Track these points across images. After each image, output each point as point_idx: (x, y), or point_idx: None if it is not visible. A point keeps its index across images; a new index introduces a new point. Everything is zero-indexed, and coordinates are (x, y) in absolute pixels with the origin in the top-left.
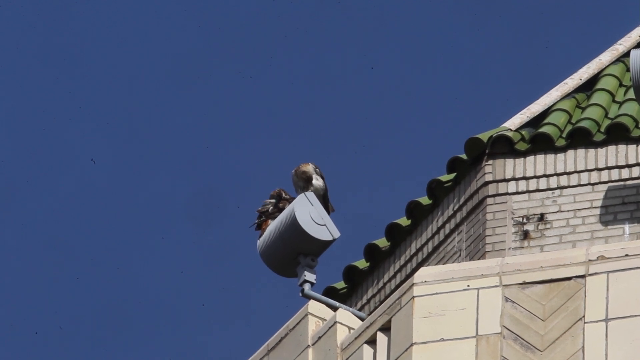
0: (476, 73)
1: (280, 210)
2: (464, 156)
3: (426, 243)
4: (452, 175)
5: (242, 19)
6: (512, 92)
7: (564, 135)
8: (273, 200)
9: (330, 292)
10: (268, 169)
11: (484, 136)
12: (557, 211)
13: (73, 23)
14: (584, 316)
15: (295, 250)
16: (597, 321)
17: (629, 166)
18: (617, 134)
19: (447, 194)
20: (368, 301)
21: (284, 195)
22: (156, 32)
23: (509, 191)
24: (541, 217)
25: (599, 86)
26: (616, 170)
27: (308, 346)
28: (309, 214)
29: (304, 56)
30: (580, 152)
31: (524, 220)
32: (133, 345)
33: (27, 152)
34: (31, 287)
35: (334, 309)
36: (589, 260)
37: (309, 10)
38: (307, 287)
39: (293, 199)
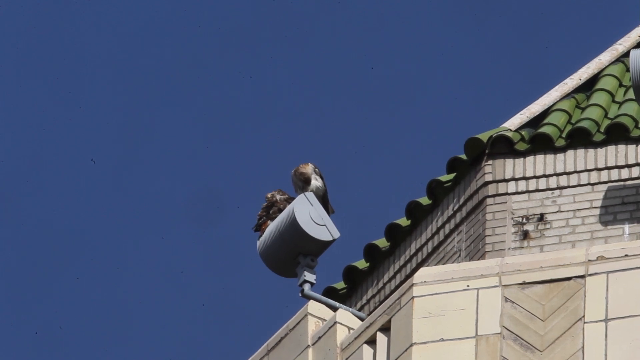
0: (476, 73)
1: (280, 211)
2: (463, 156)
3: (426, 243)
4: (451, 176)
5: (242, 19)
6: (512, 92)
7: (563, 135)
8: (265, 206)
9: (330, 293)
10: (268, 169)
11: (484, 136)
12: (557, 211)
13: (73, 23)
14: (583, 316)
15: (295, 251)
16: (596, 321)
17: (629, 166)
18: (617, 134)
19: (446, 194)
20: (368, 301)
21: (278, 198)
22: (156, 32)
23: (509, 191)
24: (541, 217)
25: (598, 86)
26: (616, 170)
27: (308, 346)
28: (308, 214)
29: (304, 56)
30: (580, 152)
31: (524, 221)
32: (133, 345)
33: (27, 152)
34: (31, 287)
35: (334, 309)
36: (589, 260)
37: (309, 10)
38: (307, 287)
39: (292, 199)
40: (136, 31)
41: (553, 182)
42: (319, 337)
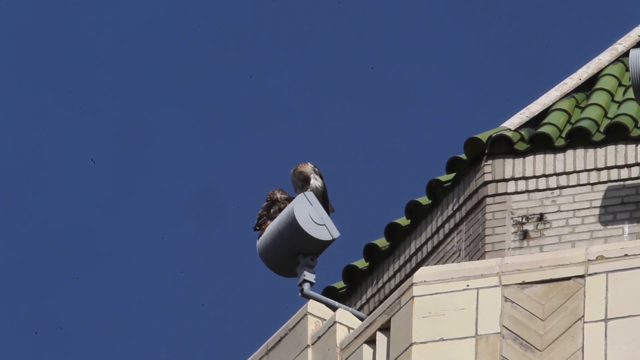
0: (476, 73)
1: (280, 210)
2: (463, 156)
3: (426, 243)
4: (451, 175)
5: (242, 19)
6: (512, 92)
7: (563, 135)
8: (266, 205)
9: (330, 292)
10: (268, 168)
11: (484, 136)
12: (557, 211)
13: (73, 23)
14: (583, 316)
15: (294, 250)
16: (596, 321)
17: (628, 166)
18: (617, 133)
19: (446, 194)
20: (367, 301)
21: (279, 196)
22: (156, 32)
23: (509, 191)
24: (540, 217)
25: (598, 86)
26: (615, 170)
27: (307, 346)
28: (308, 213)
29: (304, 56)
30: (580, 152)
31: (524, 220)
32: (133, 345)
33: (27, 152)
34: (31, 287)
35: (334, 308)
36: (588, 260)
37: (309, 10)
38: (306, 286)
39: (292, 198)
40: (136, 31)
41: (553, 181)
42: (319, 337)
